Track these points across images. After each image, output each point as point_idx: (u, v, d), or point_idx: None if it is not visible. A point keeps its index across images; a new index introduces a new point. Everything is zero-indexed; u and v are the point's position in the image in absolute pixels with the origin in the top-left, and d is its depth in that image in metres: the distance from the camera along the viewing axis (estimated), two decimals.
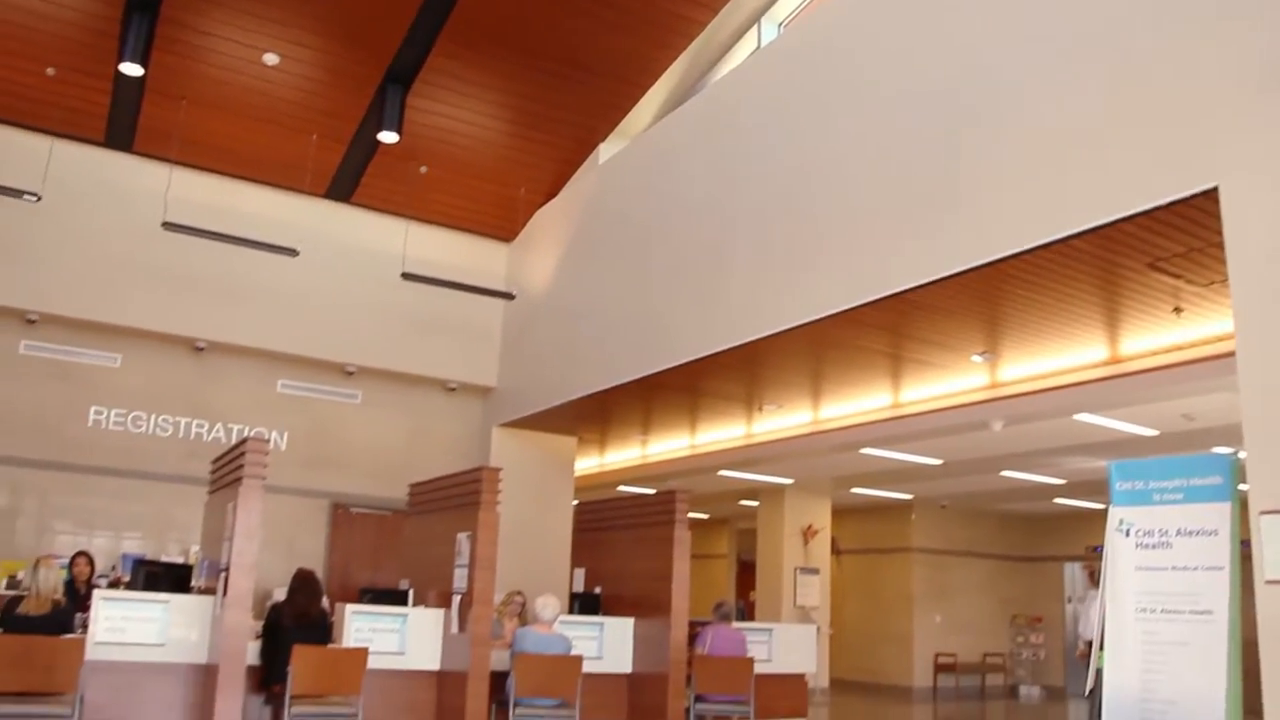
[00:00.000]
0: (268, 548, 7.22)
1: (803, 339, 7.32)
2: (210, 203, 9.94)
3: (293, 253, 9.52)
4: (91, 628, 6.25)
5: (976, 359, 7.70)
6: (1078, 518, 16.28)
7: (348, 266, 10.86)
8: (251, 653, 6.44)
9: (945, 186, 5.92)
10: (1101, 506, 7.63)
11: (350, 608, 7.12)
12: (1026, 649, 17.06)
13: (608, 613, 8.54)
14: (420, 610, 7.49)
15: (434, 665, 7.28)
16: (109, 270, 9.71)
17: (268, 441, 6.84)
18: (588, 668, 7.17)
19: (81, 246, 9.62)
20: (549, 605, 7.30)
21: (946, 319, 6.76)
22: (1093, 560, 13.85)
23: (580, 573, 9.53)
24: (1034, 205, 5.33)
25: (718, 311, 7.81)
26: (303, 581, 6.86)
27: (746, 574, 17.67)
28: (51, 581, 6.13)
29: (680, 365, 8.22)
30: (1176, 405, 8.41)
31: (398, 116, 9.46)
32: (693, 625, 8.20)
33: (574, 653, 7.17)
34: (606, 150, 10.53)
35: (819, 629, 13.47)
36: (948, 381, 8.44)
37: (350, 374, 11.21)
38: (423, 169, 10.58)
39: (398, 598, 7.81)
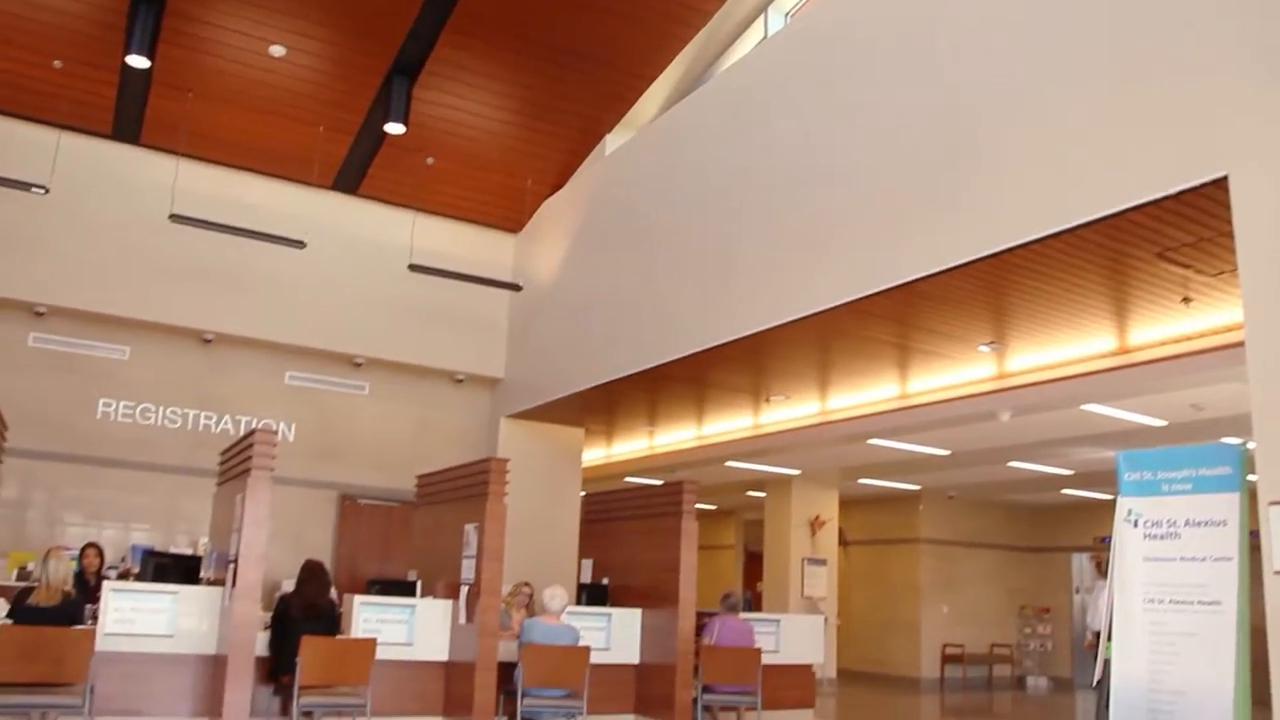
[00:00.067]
0: (276, 539, 7.26)
1: (810, 330, 7.31)
2: (217, 195, 9.96)
3: (300, 244, 9.53)
4: (101, 619, 6.27)
5: (984, 349, 7.68)
6: (1086, 508, 16.24)
7: (355, 258, 10.87)
8: (260, 643, 6.48)
9: (952, 176, 5.89)
10: (1109, 497, 7.62)
11: (358, 599, 7.14)
12: (1034, 640, 17.04)
13: (615, 603, 8.55)
14: (428, 601, 7.50)
15: (442, 656, 7.30)
16: (117, 263, 9.74)
17: (276, 433, 6.87)
18: (595, 658, 7.18)
19: (89, 239, 9.65)
20: (557, 596, 7.31)
21: (954, 309, 6.74)
22: (1100, 551, 13.82)
23: (588, 563, 9.53)
24: (1042, 195, 5.30)
25: (725, 302, 7.81)
26: (311, 573, 6.88)
27: (754, 565, 17.65)
28: (61, 573, 6.15)
29: (687, 356, 8.22)
30: (1185, 395, 8.38)
31: (404, 108, 9.45)
32: (700, 616, 8.20)
33: (582, 643, 7.18)
34: (613, 141, 10.51)
35: (826, 620, 13.42)
36: (955, 372, 8.42)
37: (358, 365, 11.23)
38: (429, 160, 10.57)
39: (406, 589, 7.82)
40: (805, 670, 9.08)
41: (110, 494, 9.98)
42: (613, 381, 9.31)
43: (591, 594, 8.82)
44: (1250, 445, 4.21)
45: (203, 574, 7.44)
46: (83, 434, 9.89)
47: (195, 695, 6.50)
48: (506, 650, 7.18)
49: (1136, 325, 6.90)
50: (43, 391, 9.72)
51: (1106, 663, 4.87)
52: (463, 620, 7.19)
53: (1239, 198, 4.36)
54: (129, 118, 9.73)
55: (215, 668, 6.38)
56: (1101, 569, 10.57)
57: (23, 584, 7.73)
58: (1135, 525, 4.68)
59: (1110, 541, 4.79)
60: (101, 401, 10.06)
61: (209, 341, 10.52)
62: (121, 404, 10.14)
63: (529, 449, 11.25)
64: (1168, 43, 4.81)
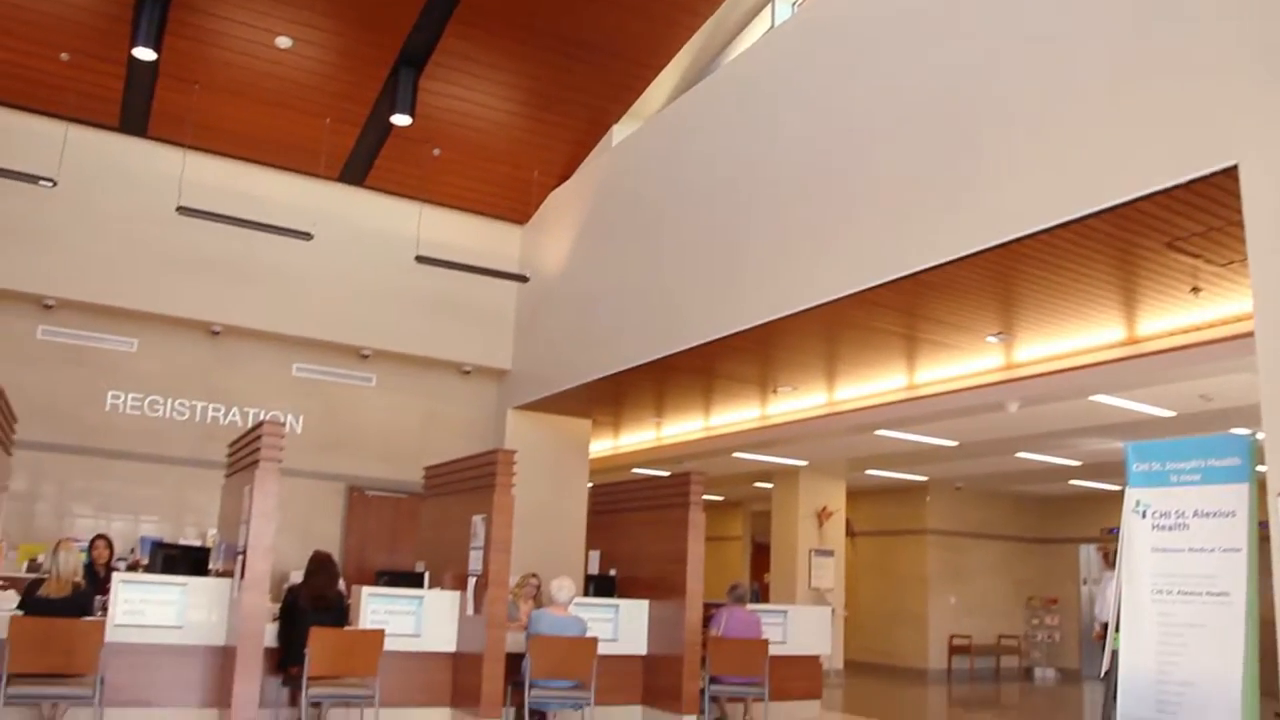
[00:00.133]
0: (284, 531, 7.27)
1: (817, 320, 7.29)
2: (224, 187, 9.96)
3: (307, 236, 9.54)
4: (111, 610, 6.31)
5: (992, 340, 7.66)
6: (1094, 499, 16.21)
7: (362, 250, 10.88)
8: (269, 634, 6.49)
9: (960, 166, 5.87)
10: (1117, 488, 7.59)
11: (366, 590, 7.17)
12: (1041, 631, 17.02)
13: (623, 595, 8.56)
14: (436, 592, 7.53)
15: (450, 647, 7.33)
16: (124, 255, 9.76)
17: (284, 425, 6.89)
18: (603, 649, 7.19)
19: (97, 231, 9.67)
20: (564, 587, 7.32)
21: (962, 300, 6.72)
22: (1108, 542, 13.81)
23: (595, 555, 9.55)
24: (1051, 184, 5.28)
25: (732, 293, 7.79)
26: (320, 564, 6.90)
27: (761, 556, 17.68)
28: (71, 564, 6.17)
29: (695, 347, 8.21)
30: (1194, 386, 8.35)
31: (410, 99, 9.45)
32: (707, 607, 8.21)
33: (589, 634, 7.19)
34: (620, 132, 10.49)
35: (833, 611, 13.48)
36: (963, 363, 8.40)
37: (365, 357, 11.25)
38: (436, 152, 10.57)
39: (414, 580, 7.85)
40: (812, 661, 9.09)
41: (119, 486, 10.02)
42: (620, 373, 9.31)
43: (599, 585, 8.83)
44: (1259, 436, 4.18)
45: (211, 565, 7.47)
46: (92, 426, 9.92)
47: (204, 686, 6.54)
48: (514, 641, 7.19)
49: (1145, 315, 6.87)
50: (52, 384, 9.75)
51: (1114, 654, 4.87)
52: (470, 611, 7.21)
53: (1249, 187, 4.33)
54: (136, 110, 9.74)
55: (224, 659, 6.41)
56: (1109, 560, 10.57)
57: (33, 576, 7.77)
58: (1144, 516, 4.67)
59: (1118, 532, 4.78)
60: (110, 394, 10.09)
61: (217, 334, 10.55)
62: (130, 396, 10.18)
63: (536, 440, 11.26)
64: (1178, 31, 4.78)
